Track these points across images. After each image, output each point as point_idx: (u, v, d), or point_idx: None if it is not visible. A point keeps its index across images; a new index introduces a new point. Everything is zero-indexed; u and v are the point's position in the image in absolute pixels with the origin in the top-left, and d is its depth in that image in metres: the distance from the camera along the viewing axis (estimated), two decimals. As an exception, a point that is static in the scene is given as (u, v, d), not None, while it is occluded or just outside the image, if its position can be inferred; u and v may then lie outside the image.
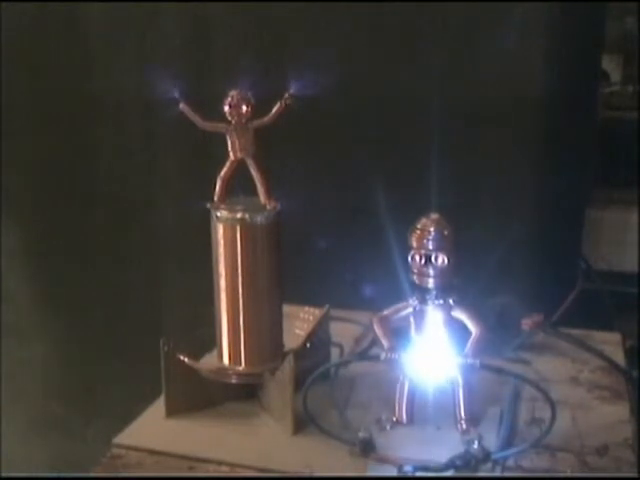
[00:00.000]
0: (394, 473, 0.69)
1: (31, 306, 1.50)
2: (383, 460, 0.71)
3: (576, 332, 1.00)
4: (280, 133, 0.86)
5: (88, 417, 1.48)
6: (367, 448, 0.71)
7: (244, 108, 0.78)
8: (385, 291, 0.80)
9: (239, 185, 0.82)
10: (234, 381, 0.82)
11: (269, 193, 0.80)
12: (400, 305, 0.76)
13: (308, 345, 0.86)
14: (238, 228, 0.79)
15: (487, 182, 1.15)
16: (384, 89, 1.17)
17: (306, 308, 0.97)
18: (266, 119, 0.79)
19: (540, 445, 0.73)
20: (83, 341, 1.47)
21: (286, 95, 0.78)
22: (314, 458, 0.73)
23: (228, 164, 0.80)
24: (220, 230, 0.79)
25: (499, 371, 0.76)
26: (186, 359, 0.82)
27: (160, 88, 0.78)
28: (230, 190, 0.81)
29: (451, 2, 1.10)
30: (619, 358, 0.95)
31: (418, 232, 0.73)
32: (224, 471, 0.72)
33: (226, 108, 0.78)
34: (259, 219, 0.79)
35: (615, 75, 1.65)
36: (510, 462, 0.71)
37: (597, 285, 1.07)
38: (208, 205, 0.80)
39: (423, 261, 0.72)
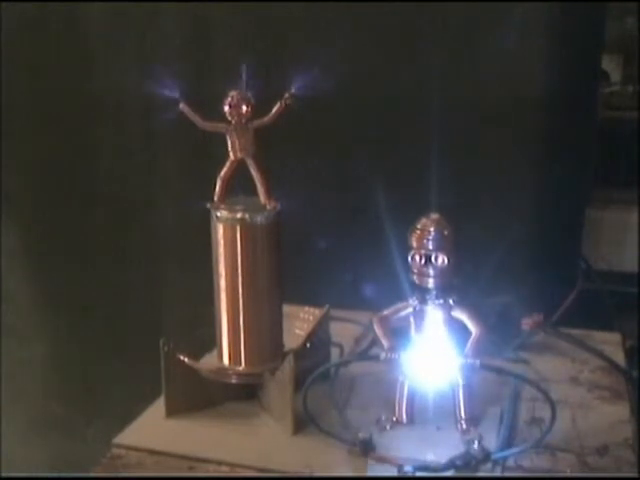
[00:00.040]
0: (394, 473, 0.69)
1: (31, 306, 1.50)
2: (383, 460, 0.71)
3: (576, 332, 1.00)
4: (280, 133, 0.86)
5: (88, 417, 1.48)
6: (367, 448, 0.71)
7: (244, 108, 0.78)
8: (385, 291, 0.80)
9: (239, 185, 0.82)
10: (234, 381, 0.82)
11: (269, 193, 0.80)
12: (400, 305, 0.77)
13: (308, 345, 0.86)
14: (238, 228, 0.79)
15: (487, 182, 1.15)
16: (384, 89, 1.17)
17: (306, 308, 0.97)
18: (266, 119, 0.79)
19: (540, 445, 0.73)
20: (83, 341, 1.47)
21: (286, 95, 0.78)
22: (314, 458, 0.73)
23: (228, 164, 0.80)
24: (220, 230, 0.79)
25: (499, 371, 0.76)
26: (186, 359, 0.82)
27: (160, 88, 0.78)
28: (230, 190, 0.81)
29: (451, 2, 1.10)
30: (619, 358, 0.95)
31: (418, 232, 0.73)
32: (224, 471, 0.72)
33: (226, 108, 0.78)
34: (259, 219, 0.79)
35: (615, 75, 1.65)
36: (510, 462, 0.71)
37: (597, 285, 1.07)
38: (208, 205, 0.80)
39: (423, 261, 0.72)
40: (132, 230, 1.39)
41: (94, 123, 1.35)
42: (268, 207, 0.80)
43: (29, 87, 1.37)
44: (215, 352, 0.85)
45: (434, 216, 0.74)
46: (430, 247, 0.72)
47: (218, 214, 0.79)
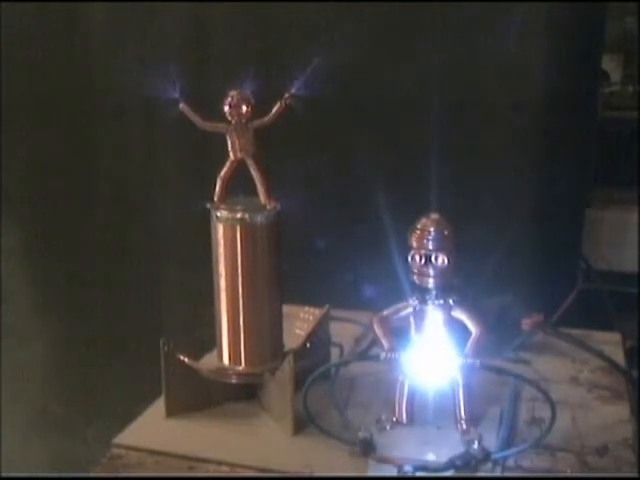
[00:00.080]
0: (394, 473, 0.69)
1: (31, 306, 1.50)
2: (383, 460, 0.71)
3: (576, 332, 1.00)
4: (280, 133, 0.86)
5: (88, 417, 1.48)
6: (367, 448, 0.71)
7: (244, 108, 0.78)
8: (385, 291, 0.80)
9: (239, 185, 0.82)
10: (234, 381, 0.82)
11: (269, 193, 0.80)
12: (400, 305, 0.76)
13: (308, 345, 0.86)
14: (238, 228, 0.79)
15: (487, 182, 1.15)
16: (384, 89, 1.17)
17: (306, 308, 0.97)
18: (266, 119, 0.79)
19: (540, 445, 0.73)
20: (83, 341, 1.47)
21: (286, 95, 0.78)
22: (314, 458, 0.73)
23: (228, 164, 0.80)
24: (220, 230, 0.79)
25: (499, 371, 0.76)
26: (186, 359, 0.82)
27: (160, 88, 0.78)
28: (230, 190, 0.81)
29: (451, 2, 1.10)
30: (619, 358, 0.95)
31: (418, 232, 0.73)
32: (224, 471, 0.72)
33: (226, 108, 0.78)
34: (259, 219, 0.79)
35: (615, 75, 1.65)
36: (510, 462, 0.71)
37: (597, 285, 1.07)
38: (208, 205, 0.80)
39: (423, 261, 0.72)
40: (132, 230, 1.39)
41: (94, 123, 1.35)
42: (268, 207, 0.80)
43: (29, 87, 1.37)
44: (215, 352, 0.85)
45: (434, 216, 0.73)
46: (430, 247, 0.72)
47: (218, 214, 0.79)
